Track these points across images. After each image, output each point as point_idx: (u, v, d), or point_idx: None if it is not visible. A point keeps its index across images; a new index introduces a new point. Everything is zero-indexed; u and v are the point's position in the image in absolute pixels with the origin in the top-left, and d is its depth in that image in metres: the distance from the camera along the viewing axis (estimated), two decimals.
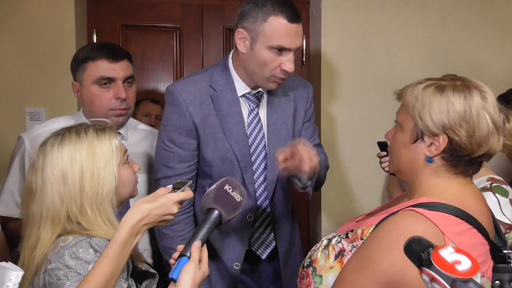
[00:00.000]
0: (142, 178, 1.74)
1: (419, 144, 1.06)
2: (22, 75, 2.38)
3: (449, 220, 0.99)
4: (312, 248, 1.19)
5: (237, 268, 1.65)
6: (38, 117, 2.40)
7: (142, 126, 1.89)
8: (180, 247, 1.05)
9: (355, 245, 1.07)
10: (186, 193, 1.15)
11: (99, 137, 1.20)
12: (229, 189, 1.13)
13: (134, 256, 1.22)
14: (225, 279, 1.67)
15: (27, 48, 2.38)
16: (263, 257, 1.69)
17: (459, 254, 0.72)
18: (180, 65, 2.71)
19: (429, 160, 1.05)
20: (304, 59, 2.74)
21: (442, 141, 1.02)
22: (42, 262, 1.12)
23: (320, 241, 1.18)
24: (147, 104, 2.58)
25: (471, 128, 1.00)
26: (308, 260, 1.16)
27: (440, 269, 0.70)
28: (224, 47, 2.71)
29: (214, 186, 1.14)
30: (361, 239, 1.07)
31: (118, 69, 1.63)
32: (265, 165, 1.65)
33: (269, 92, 1.66)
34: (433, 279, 0.72)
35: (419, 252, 0.76)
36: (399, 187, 2.07)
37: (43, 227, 1.14)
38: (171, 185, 1.17)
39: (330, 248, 1.11)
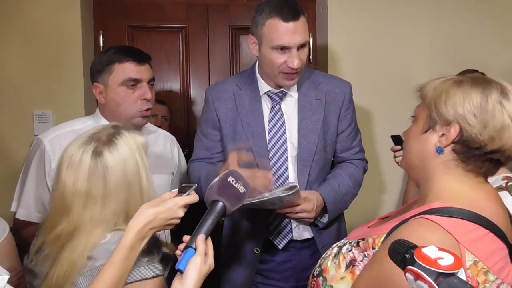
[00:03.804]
0: (154, 178, 1.75)
1: (430, 134, 1.04)
2: (30, 78, 2.39)
3: (464, 226, 0.96)
4: (322, 256, 1.17)
5: (257, 252, 1.73)
6: (46, 120, 2.41)
7: (160, 130, 1.95)
8: (186, 238, 1.06)
9: (366, 254, 1.05)
10: (192, 197, 1.16)
11: (132, 135, 1.24)
12: (233, 181, 1.14)
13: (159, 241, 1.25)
14: (244, 265, 1.76)
15: (34, 51, 2.39)
16: (280, 247, 1.74)
17: (441, 251, 0.73)
18: (186, 65, 2.70)
19: (439, 150, 1.03)
20: (311, 56, 2.72)
21: (453, 131, 1.00)
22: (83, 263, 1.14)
23: (331, 248, 1.15)
24: (154, 105, 2.58)
25: (485, 119, 0.98)
26: (318, 269, 1.13)
27: (423, 264, 0.71)
28: (230, 46, 2.70)
29: (217, 178, 1.16)
30: (373, 248, 1.04)
31: (143, 71, 1.68)
32: (286, 159, 1.71)
33: (302, 95, 1.74)
34: (417, 277, 0.72)
35: (403, 253, 0.76)
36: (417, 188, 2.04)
37: (96, 231, 1.16)
38: (177, 189, 1.18)
39: (341, 257, 1.08)
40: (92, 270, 1.12)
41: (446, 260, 0.71)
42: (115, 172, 1.18)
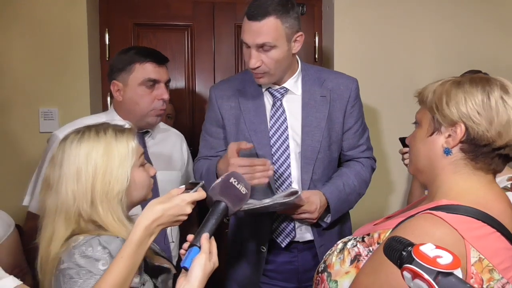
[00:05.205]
0: (163, 174, 1.80)
1: (436, 137, 1.04)
2: (35, 75, 2.40)
3: (469, 223, 0.95)
4: (327, 252, 1.17)
5: (263, 251, 1.73)
6: (51, 117, 2.41)
7: (169, 128, 2.02)
8: (190, 236, 1.08)
9: (371, 249, 1.05)
10: (199, 194, 1.17)
11: (117, 138, 1.22)
12: (235, 181, 1.16)
13: (147, 252, 1.22)
14: (251, 263, 1.76)
15: (40, 48, 2.39)
16: (282, 245, 1.74)
17: (439, 249, 0.72)
18: (192, 63, 2.70)
19: (447, 151, 1.02)
20: (316, 56, 2.72)
21: (459, 131, 1.00)
22: (55, 262, 1.14)
23: (335, 245, 1.15)
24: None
25: (490, 115, 0.98)
26: (323, 265, 1.13)
27: (422, 263, 0.71)
28: (236, 45, 2.70)
29: (219, 179, 1.17)
30: (378, 243, 1.04)
31: (162, 72, 1.76)
32: (288, 156, 1.70)
33: (306, 92, 1.72)
34: (415, 275, 0.71)
35: (400, 250, 0.75)
36: (422, 188, 2.03)
37: (57, 221, 1.17)
38: (184, 185, 1.19)
39: (346, 252, 1.09)
40: (59, 273, 1.12)
41: (445, 258, 0.71)
42: (70, 163, 1.17)
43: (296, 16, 1.59)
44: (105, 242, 1.13)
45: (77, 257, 1.10)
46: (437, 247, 0.73)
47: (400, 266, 0.75)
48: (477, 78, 1.02)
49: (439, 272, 0.69)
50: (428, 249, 0.72)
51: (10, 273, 1.16)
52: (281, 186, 1.70)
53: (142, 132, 1.81)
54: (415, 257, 0.72)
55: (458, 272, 0.70)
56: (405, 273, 0.73)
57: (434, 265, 0.70)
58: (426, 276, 0.70)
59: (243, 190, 1.16)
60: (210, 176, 1.66)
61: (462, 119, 0.99)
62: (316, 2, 2.70)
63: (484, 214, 0.97)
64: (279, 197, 1.53)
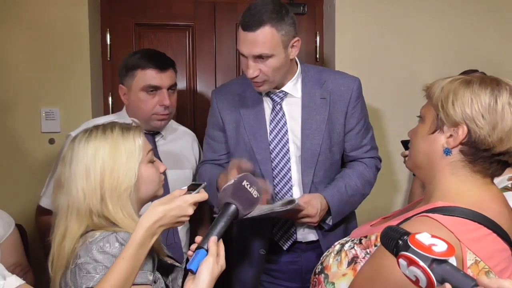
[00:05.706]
0: (175, 173, 1.85)
1: (438, 135, 1.03)
2: (37, 75, 2.41)
3: (465, 225, 0.95)
4: (324, 254, 1.17)
5: (263, 254, 1.73)
6: (53, 117, 2.42)
7: (181, 127, 2.06)
8: (198, 238, 1.08)
9: (368, 251, 1.05)
10: (201, 195, 1.17)
11: (124, 135, 1.24)
12: (247, 185, 1.16)
13: (158, 250, 1.25)
14: (251, 265, 1.77)
15: (41, 49, 2.40)
16: (284, 248, 1.74)
17: (435, 238, 0.74)
18: (193, 63, 2.70)
19: (447, 151, 1.02)
20: (317, 56, 2.72)
21: (461, 133, 0.99)
22: (72, 256, 1.16)
23: (333, 246, 1.15)
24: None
25: (494, 120, 0.97)
26: (320, 266, 1.13)
27: (417, 250, 0.72)
28: (237, 45, 2.69)
29: (232, 181, 1.17)
30: (375, 245, 1.04)
31: (164, 78, 1.77)
32: (288, 160, 1.69)
33: (306, 95, 1.71)
34: (410, 262, 0.73)
35: (396, 239, 0.77)
36: (423, 188, 2.04)
37: (69, 219, 1.19)
38: (186, 186, 1.19)
39: (343, 254, 1.08)
40: (76, 267, 1.14)
41: (440, 246, 0.72)
42: (78, 161, 1.21)
43: (291, 22, 1.58)
44: (122, 238, 1.15)
45: (95, 253, 1.12)
46: (433, 236, 0.74)
47: (396, 254, 0.76)
48: (487, 79, 1.01)
49: (434, 259, 0.71)
50: (424, 238, 0.74)
51: (12, 272, 1.16)
52: (281, 190, 1.70)
53: (153, 133, 1.85)
54: (411, 245, 0.73)
55: (453, 260, 0.72)
56: (400, 260, 0.75)
57: (429, 252, 0.71)
58: (421, 263, 0.71)
59: (255, 193, 1.16)
60: (212, 190, 1.65)
61: (466, 120, 0.98)
62: (317, 2, 2.71)
63: (480, 216, 0.97)
64: (276, 207, 1.52)
